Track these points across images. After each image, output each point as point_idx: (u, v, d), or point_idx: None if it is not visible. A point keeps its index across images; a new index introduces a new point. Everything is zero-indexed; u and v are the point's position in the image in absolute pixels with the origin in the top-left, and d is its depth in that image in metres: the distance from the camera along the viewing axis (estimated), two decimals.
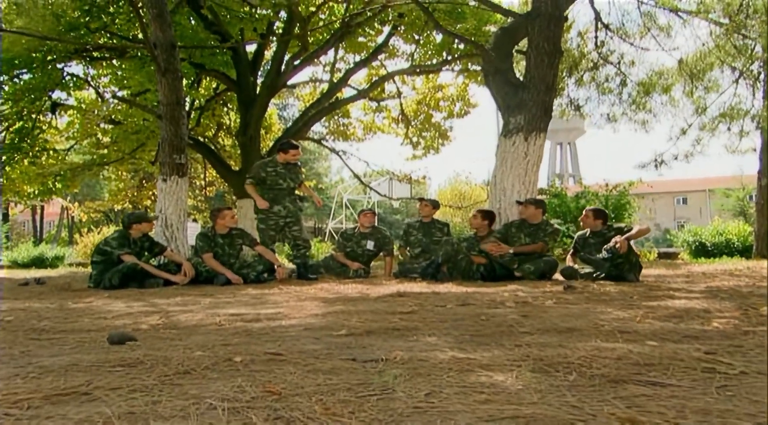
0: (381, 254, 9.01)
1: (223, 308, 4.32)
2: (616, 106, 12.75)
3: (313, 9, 16.05)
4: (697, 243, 15.90)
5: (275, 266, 7.97)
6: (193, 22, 15.86)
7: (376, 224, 9.03)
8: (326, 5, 16.54)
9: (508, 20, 9.78)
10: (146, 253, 7.94)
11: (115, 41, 15.20)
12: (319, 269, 8.85)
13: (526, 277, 7.37)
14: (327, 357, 2.38)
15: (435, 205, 9.12)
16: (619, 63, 12.21)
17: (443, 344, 2.65)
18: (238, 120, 18.74)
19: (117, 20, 15.07)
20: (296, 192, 8.66)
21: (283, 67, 16.88)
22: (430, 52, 18.51)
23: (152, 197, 21.80)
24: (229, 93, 18.97)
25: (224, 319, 3.66)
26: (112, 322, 3.74)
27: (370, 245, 8.77)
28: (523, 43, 9.80)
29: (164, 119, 10.18)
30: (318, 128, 21.22)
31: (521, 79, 8.83)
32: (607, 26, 11.95)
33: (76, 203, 32.84)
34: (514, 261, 7.56)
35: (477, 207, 9.23)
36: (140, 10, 11.42)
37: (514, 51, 9.69)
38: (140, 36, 15.76)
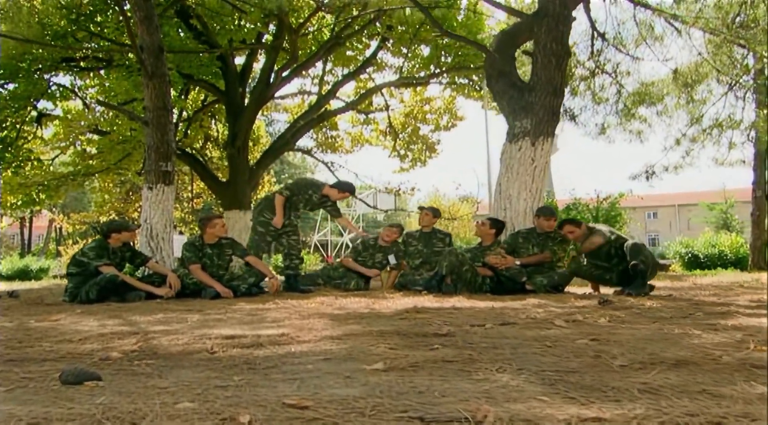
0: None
1: (214, 328, 3.45)
2: (609, 116, 12.00)
3: (301, 20, 15.28)
4: (689, 255, 15.21)
5: (267, 278, 7.08)
6: (182, 34, 15.01)
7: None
8: (316, 16, 15.74)
9: (496, 33, 9.07)
10: (127, 264, 7.04)
11: (102, 46, 14.27)
12: (316, 280, 7.98)
13: (538, 290, 6.55)
14: (377, 411, 1.52)
15: (435, 213, 8.27)
16: (615, 73, 11.45)
17: (530, 387, 1.80)
18: (226, 132, 17.94)
19: (105, 30, 14.18)
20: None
21: (272, 78, 16.05)
22: (417, 66, 17.81)
23: (139, 209, 20.79)
24: (216, 105, 18.16)
25: (217, 344, 2.79)
26: (76, 348, 2.86)
27: (392, 260, 7.92)
28: (525, 48, 9.05)
29: (150, 125, 9.34)
30: (303, 142, 20.40)
31: (525, 82, 8.05)
32: (602, 35, 11.21)
33: (61, 215, 31.63)
34: (523, 273, 6.72)
35: (487, 215, 8.37)
36: (129, 17, 10.56)
37: (520, 53, 8.92)
38: (128, 44, 15.08)
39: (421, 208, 8.44)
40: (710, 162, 14.72)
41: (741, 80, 12.46)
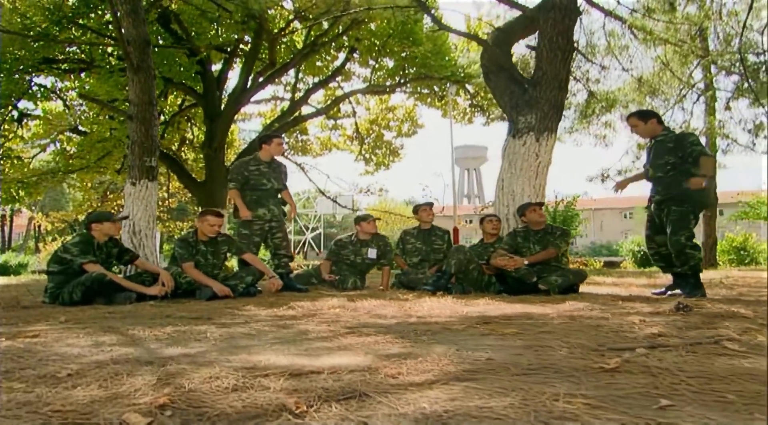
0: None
1: (254, 352, 2.23)
2: (577, 121, 11.05)
3: (280, 27, 14.04)
4: (642, 253, 14.35)
5: (268, 278, 5.81)
6: (161, 41, 13.57)
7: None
8: (291, 25, 14.47)
9: (492, 30, 8.01)
10: (114, 261, 5.67)
11: (86, 40, 12.73)
12: (310, 279, 6.74)
13: (551, 290, 5.45)
14: None
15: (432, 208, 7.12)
16: (586, 80, 10.46)
17: None
18: (202, 135, 16.59)
19: (87, 35, 12.66)
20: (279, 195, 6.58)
21: (248, 83, 14.74)
22: (383, 76, 16.70)
23: (116, 208, 19.14)
24: (193, 109, 16.74)
25: (286, 389, 1.58)
26: (66, 396, 1.60)
27: (372, 253, 6.67)
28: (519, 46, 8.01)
29: (135, 119, 8.04)
30: None
31: (525, 76, 6.99)
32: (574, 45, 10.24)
33: (39, 213, 29.43)
34: (532, 274, 5.60)
35: (487, 212, 7.25)
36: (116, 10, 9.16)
37: (526, 47, 7.86)
38: (111, 49, 13.59)
39: (419, 205, 7.21)
40: None
41: (693, 90, 11.70)
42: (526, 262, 5.65)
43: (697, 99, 11.85)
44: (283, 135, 6.85)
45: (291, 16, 13.93)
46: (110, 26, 13.07)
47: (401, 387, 1.60)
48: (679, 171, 5.15)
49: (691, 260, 5.15)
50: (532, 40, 7.75)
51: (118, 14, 8.16)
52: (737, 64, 10.18)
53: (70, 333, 2.85)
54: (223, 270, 6.03)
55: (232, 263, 9.73)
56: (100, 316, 3.73)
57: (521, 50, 9.09)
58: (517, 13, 8.66)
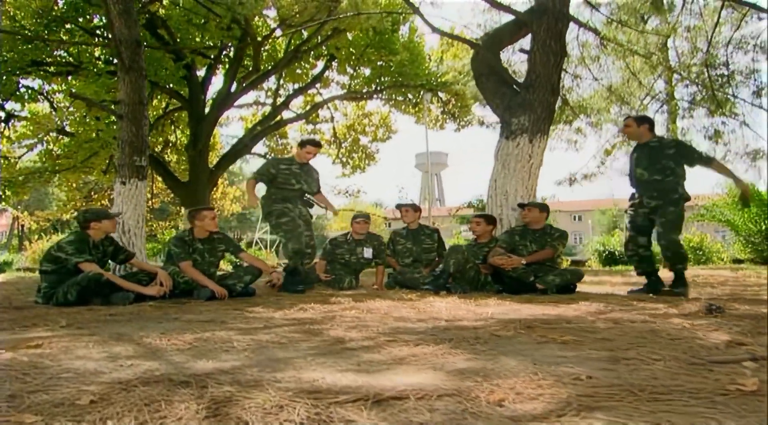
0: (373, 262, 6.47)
1: (297, 366, 1.81)
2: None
3: (265, 34, 13.53)
4: (606, 252, 14.16)
5: (270, 272, 5.35)
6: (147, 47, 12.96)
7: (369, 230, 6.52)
8: (274, 34, 13.97)
9: (482, 35, 7.66)
10: (109, 260, 5.15)
11: (77, 41, 12.07)
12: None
13: (549, 289, 5.12)
14: None
15: (416, 209, 6.67)
16: (560, 88, 10.18)
17: None
18: (185, 138, 15.99)
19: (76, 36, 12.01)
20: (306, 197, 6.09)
21: (233, 87, 14.19)
22: (360, 83, 16.29)
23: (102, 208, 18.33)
24: (176, 113, 16.11)
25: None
26: None
27: (367, 253, 6.22)
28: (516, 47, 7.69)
29: (125, 119, 7.54)
30: (256, 148, 18.41)
31: (515, 79, 6.67)
32: None
33: (25, 212, 28.25)
34: (530, 273, 5.26)
35: (477, 213, 6.88)
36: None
37: (519, 51, 7.53)
38: (99, 53, 12.96)
39: (399, 206, 6.76)
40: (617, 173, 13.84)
41: (656, 99, 11.56)
42: (523, 262, 5.32)
43: (660, 107, 11.69)
44: (319, 143, 6.34)
45: (275, 24, 13.43)
46: (98, 30, 12.49)
47: (523, 420, 1.19)
48: (676, 175, 5.01)
49: (685, 260, 5.14)
50: (519, 45, 7.46)
51: (111, 14, 7.62)
52: (701, 75, 10.05)
53: (77, 341, 2.37)
54: (217, 268, 5.56)
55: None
56: (103, 319, 3.25)
57: (503, 56, 8.76)
58: (499, 21, 8.36)
